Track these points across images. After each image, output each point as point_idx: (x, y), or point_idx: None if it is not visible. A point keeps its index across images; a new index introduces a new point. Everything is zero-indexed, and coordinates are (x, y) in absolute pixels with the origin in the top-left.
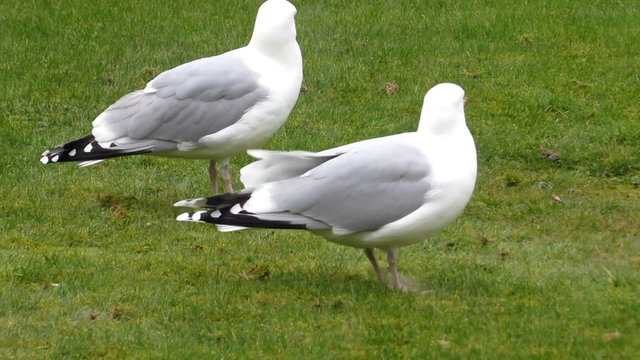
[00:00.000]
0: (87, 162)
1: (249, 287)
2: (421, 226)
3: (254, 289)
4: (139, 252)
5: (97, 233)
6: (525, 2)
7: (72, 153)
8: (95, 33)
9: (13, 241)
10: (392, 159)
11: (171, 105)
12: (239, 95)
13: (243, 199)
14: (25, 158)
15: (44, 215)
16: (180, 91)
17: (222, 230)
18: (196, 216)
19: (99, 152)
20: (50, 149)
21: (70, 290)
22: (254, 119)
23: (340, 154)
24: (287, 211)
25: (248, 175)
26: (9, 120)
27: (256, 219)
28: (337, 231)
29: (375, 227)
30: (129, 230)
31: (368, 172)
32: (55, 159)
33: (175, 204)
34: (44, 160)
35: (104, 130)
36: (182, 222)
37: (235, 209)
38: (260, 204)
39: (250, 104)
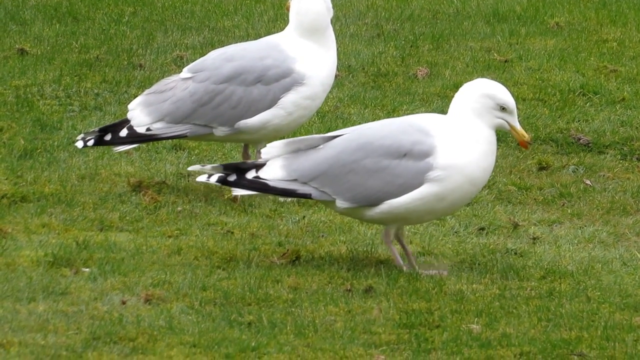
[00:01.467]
0: (122, 146)
1: (280, 271)
2: (420, 206)
3: (285, 273)
4: (169, 236)
5: (127, 218)
6: None
7: (107, 137)
8: (126, 18)
9: (44, 226)
10: (398, 136)
11: (207, 90)
12: (275, 81)
13: (259, 167)
14: (56, 143)
15: (75, 200)
16: (216, 76)
17: (235, 193)
18: (214, 178)
19: (134, 137)
20: (85, 133)
21: (101, 275)
22: (290, 104)
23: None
24: (295, 180)
25: (268, 152)
26: (40, 105)
27: (267, 185)
28: (340, 204)
29: (375, 203)
30: (159, 215)
31: (373, 148)
32: (90, 142)
33: (189, 168)
34: (79, 144)
35: (139, 114)
36: (200, 182)
37: (250, 174)
38: (273, 172)
39: (287, 89)
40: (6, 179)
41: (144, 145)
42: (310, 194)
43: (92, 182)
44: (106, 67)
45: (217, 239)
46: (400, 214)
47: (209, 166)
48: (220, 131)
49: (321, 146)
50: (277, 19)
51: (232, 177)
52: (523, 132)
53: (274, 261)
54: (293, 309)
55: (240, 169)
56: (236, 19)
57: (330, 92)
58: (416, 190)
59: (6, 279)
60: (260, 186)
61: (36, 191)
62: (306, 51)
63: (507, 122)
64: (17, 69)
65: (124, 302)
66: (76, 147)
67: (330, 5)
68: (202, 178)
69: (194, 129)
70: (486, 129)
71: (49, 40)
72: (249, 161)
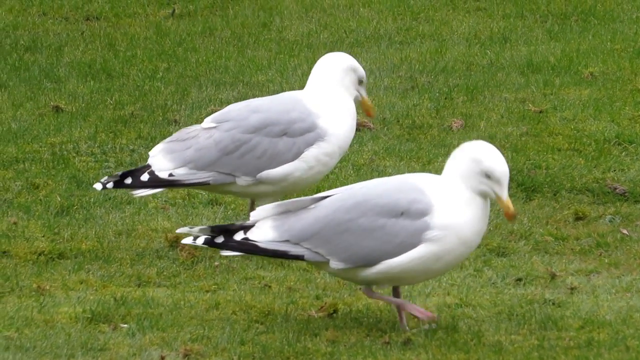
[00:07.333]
0: (141, 190)
1: (318, 325)
2: (418, 265)
3: (323, 326)
4: (207, 291)
5: (165, 273)
6: (590, 36)
7: (128, 181)
8: (160, 74)
9: (81, 283)
10: (394, 195)
11: (234, 139)
12: (300, 134)
13: (247, 228)
14: (92, 199)
15: (112, 257)
16: (243, 126)
17: (223, 254)
18: (200, 240)
19: (156, 182)
20: (106, 177)
21: (139, 330)
22: (312, 158)
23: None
24: (287, 241)
25: (257, 214)
26: (75, 162)
27: (257, 246)
28: (334, 265)
29: (372, 263)
30: (197, 270)
31: (369, 207)
32: (109, 185)
33: (178, 230)
34: (98, 186)
35: (161, 159)
36: (185, 244)
37: (238, 236)
38: (262, 233)
39: (310, 144)
40: (43, 236)
41: (180, 200)
42: (303, 255)
43: (129, 238)
44: (141, 123)
45: (254, 293)
46: (397, 274)
47: (196, 228)
48: (243, 180)
49: (313, 206)
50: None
51: (220, 239)
52: (509, 204)
53: (311, 314)
54: None
55: (228, 231)
56: (270, 74)
57: (365, 144)
58: (414, 250)
59: (45, 335)
60: (250, 248)
61: (73, 248)
62: (326, 109)
63: (493, 190)
64: (52, 126)
65: (162, 358)
66: (95, 189)
67: (349, 75)
68: (187, 240)
69: (217, 176)
70: (473, 194)
71: (83, 97)
72: (237, 223)
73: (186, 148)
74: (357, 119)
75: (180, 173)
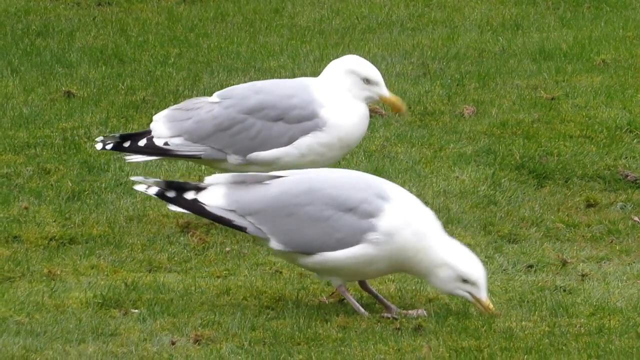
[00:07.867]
0: (136, 156)
1: (329, 310)
2: (352, 264)
3: (334, 312)
4: (218, 277)
5: (176, 259)
6: (602, 23)
7: (126, 144)
8: (172, 59)
9: (92, 268)
10: (348, 191)
11: (229, 116)
12: (297, 122)
13: (200, 189)
14: (103, 185)
15: (123, 242)
16: (241, 106)
17: (170, 209)
18: (152, 190)
19: (151, 148)
20: (105, 136)
21: (150, 316)
22: (305, 146)
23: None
24: (234, 211)
25: (213, 179)
26: (87, 147)
27: (204, 209)
28: (274, 245)
29: (310, 252)
30: (208, 255)
31: (319, 196)
32: (109, 147)
33: (132, 178)
34: (98, 146)
35: (161, 126)
36: (137, 191)
37: (189, 195)
38: (212, 198)
39: (306, 132)
40: (54, 221)
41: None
42: (245, 228)
43: (140, 224)
44: (152, 108)
45: (265, 278)
46: (333, 268)
47: (152, 179)
48: (233, 159)
49: (267, 182)
50: (323, 59)
51: (171, 194)
52: (489, 305)
53: (322, 300)
54: (342, 348)
55: (182, 189)
56: (282, 60)
57: (376, 131)
58: (351, 248)
59: (56, 320)
60: (197, 209)
61: (84, 233)
62: (334, 100)
63: (470, 293)
64: (63, 111)
65: (173, 343)
66: (95, 148)
67: (353, 78)
68: (140, 187)
69: (209, 151)
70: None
71: (95, 82)
72: (192, 182)
73: (187, 118)
74: (370, 106)
75: (175, 143)
